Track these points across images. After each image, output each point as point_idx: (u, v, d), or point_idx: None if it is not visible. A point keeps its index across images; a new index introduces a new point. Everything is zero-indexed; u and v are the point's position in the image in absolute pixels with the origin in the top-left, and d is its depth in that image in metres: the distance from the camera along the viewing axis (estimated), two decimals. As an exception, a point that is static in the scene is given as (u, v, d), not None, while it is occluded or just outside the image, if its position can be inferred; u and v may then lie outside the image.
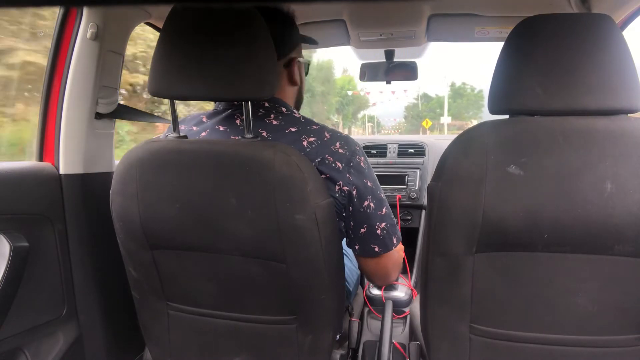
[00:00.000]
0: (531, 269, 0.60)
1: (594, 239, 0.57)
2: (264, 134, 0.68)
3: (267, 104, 0.72)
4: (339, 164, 0.68)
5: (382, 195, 0.74)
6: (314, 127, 0.71)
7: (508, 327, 0.64)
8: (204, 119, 0.74)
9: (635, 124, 0.57)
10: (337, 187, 0.68)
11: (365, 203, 0.71)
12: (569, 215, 0.56)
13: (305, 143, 0.68)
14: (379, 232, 0.73)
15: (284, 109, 0.73)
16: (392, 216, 0.76)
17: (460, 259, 0.61)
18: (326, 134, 0.70)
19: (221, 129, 0.71)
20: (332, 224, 0.66)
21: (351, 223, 0.73)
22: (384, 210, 0.73)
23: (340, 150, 0.69)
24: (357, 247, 0.75)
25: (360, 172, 0.70)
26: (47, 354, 0.87)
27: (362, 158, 0.72)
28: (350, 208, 0.71)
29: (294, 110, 0.75)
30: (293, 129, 0.69)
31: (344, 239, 0.78)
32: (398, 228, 0.77)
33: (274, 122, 0.70)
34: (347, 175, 0.68)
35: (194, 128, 0.73)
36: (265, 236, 0.61)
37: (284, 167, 0.58)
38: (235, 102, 0.73)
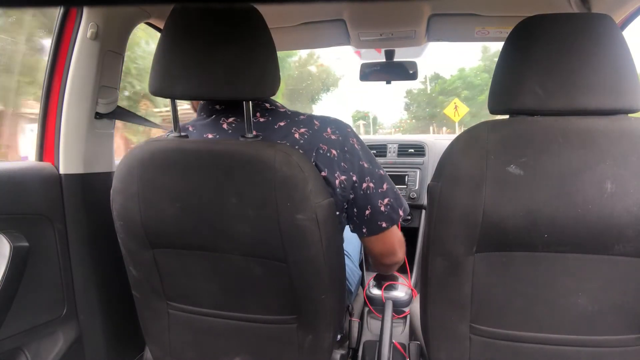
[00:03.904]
0: (531, 269, 0.60)
1: (594, 238, 0.57)
2: (254, 132, 0.68)
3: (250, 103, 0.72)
4: (333, 152, 0.68)
5: (381, 171, 0.74)
6: (302, 117, 0.71)
7: (508, 327, 0.64)
8: (190, 128, 0.73)
9: (635, 124, 0.57)
10: (337, 181, 0.68)
11: (365, 185, 0.71)
12: (569, 215, 0.56)
13: (297, 135, 0.68)
14: (382, 208, 0.73)
15: (267, 105, 0.73)
16: (395, 189, 0.76)
17: (461, 258, 0.61)
18: (315, 122, 0.70)
19: (210, 136, 0.70)
20: (333, 223, 0.66)
21: (354, 210, 0.73)
22: (384, 186, 0.73)
23: (333, 137, 0.69)
24: (364, 230, 0.75)
25: (355, 155, 0.70)
26: (47, 354, 0.87)
27: (355, 139, 0.72)
28: (352, 195, 0.71)
29: (277, 104, 0.75)
30: (282, 124, 0.69)
31: (345, 237, 0.78)
32: (404, 200, 0.77)
33: (261, 120, 0.70)
34: (343, 163, 0.68)
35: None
36: (266, 236, 0.61)
37: (284, 167, 0.58)
38: (218, 107, 0.73)
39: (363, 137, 1.86)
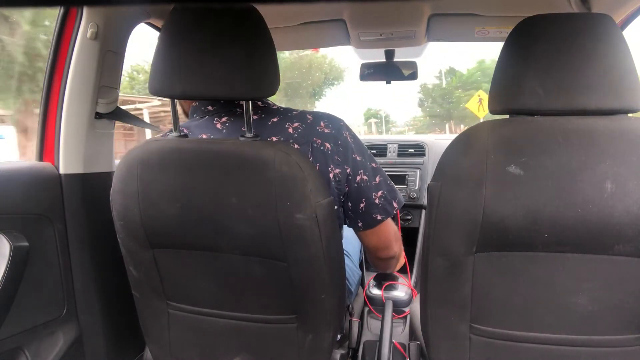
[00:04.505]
0: (531, 269, 0.60)
1: (594, 238, 0.57)
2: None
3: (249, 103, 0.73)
4: (327, 145, 0.69)
5: (374, 164, 0.75)
6: (294, 112, 0.72)
7: (508, 327, 0.64)
8: (185, 130, 0.73)
9: (635, 123, 0.57)
10: (331, 174, 0.69)
11: (358, 178, 0.72)
12: (569, 215, 0.56)
13: (290, 130, 0.68)
14: (377, 201, 0.74)
15: (259, 103, 0.74)
16: (389, 181, 0.76)
17: (461, 258, 0.61)
18: (308, 116, 0.71)
19: (204, 136, 0.71)
20: (333, 223, 0.66)
21: (349, 204, 0.74)
22: (377, 179, 0.74)
23: (326, 130, 0.70)
24: (360, 224, 0.76)
25: (348, 148, 0.71)
26: (47, 354, 0.87)
27: (348, 133, 0.72)
28: (347, 188, 0.71)
29: (269, 102, 0.76)
30: (275, 119, 0.70)
31: (345, 236, 0.78)
32: (398, 192, 0.78)
33: (255, 117, 0.70)
34: (336, 156, 0.69)
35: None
36: (266, 235, 0.61)
37: (284, 167, 0.58)
38: (210, 107, 0.73)
39: (363, 137, 1.86)
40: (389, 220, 0.78)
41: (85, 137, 0.92)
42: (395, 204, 0.76)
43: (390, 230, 0.81)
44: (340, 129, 0.71)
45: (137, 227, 0.66)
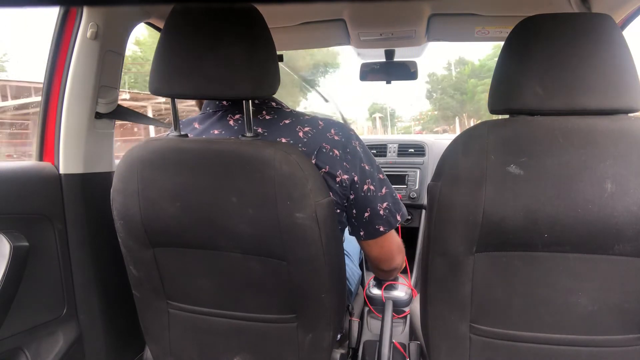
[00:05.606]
0: (531, 269, 0.60)
1: (594, 238, 0.57)
2: (259, 130, 0.69)
3: (257, 101, 0.73)
4: (335, 152, 0.69)
5: (382, 175, 0.75)
6: (307, 117, 0.72)
7: (508, 327, 0.64)
8: (196, 125, 0.74)
9: (635, 123, 0.57)
10: (338, 179, 0.69)
11: (365, 187, 0.72)
12: (569, 214, 0.56)
13: (301, 134, 0.69)
14: (381, 212, 0.74)
15: (273, 104, 0.74)
16: (394, 194, 0.77)
17: (461, 258, 0.61)
18: (320, 122, 0.71)
19: (215, 132, 0.71)
20: (333, 222, 0.66)
21: (353, 212, 0.73)
22: (384, 190, 0.74)
23: (336, 137, 0.70)
24: (362, 232, 0.76)
25: (357, 156, 0.71)
26: (47, 354, 0.87)
27: (357, 142, 0.73)
28: (352, 195, 0.71)
29: (283, 104, 0.76)
30: (287, 121, 0.70)
31: (345, 236, 0.78)
32: (402, 205, 0.78)
33: (267, 118, 0.71)
34: (345, 163, 0.69)
35: (189, 135, 0.73)
36: (266, 234, 0.61)
37: (284, 166, 0.58)
38: (225, 103, 0.73)
39: (363, 137, 1.86)
40: (392, 232, 0.78)
41: (85, 137, 0.92)
42: (398, 217, 0.76)
43: (393, 243, 0.80)
44: (350, 138, 0.71)
45: (137, 227, 0.66)
